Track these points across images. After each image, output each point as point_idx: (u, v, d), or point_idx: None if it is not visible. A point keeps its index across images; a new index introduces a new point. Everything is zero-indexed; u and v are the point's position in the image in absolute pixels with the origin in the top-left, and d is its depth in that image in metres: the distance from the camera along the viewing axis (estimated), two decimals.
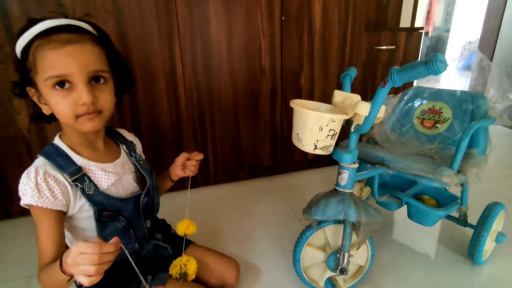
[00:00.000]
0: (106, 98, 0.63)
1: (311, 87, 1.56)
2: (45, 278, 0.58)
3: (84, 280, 0.47)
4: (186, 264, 0.75)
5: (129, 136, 0.83)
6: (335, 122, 0.72)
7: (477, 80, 1.02)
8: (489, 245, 1.03)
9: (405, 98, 1.14)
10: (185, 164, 0.86)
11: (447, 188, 1.09)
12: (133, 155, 0.78)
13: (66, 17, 0.60)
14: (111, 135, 0.78)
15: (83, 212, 0.65)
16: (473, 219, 1.03)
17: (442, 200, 1.06)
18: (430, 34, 5.71)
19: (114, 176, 0.69)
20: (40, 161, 0.63)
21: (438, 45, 5.98)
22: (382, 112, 0.72)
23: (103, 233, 0.67)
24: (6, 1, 1.05)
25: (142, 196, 0.73)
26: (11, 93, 1.03)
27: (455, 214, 1.06)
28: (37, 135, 1.22)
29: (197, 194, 1.51)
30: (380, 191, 1.02)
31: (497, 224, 1.03)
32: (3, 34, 1.08)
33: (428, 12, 5.50)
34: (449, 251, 1.11)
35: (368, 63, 1.66)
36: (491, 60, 2.63)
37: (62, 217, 0.63)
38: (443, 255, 1.09)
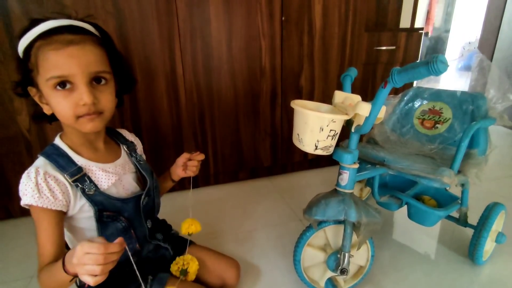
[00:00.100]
0: (107, 99, 0.63)
1: (311, 88, 1.56)
2: (45, 278, 0.59)
3: (89, 280, 0.47)
4: (188, 262, 0.76)
5: (130, 136, 0.83)
6: (336, 122, 0.72)
7: (477, 81, 1.02)
8: (489, 245, 1.03)
9: (405, 98, 1.15)
10: (186, 165, 0.86)
11: (447, 188, 1.09)
12: (134, 155, 0.78)
13: (68, 17, 0.60)
14: (112, 135, 0.78)
15: (84, 213, 0.65)
16: (473, 219, 1.03)
17: (442, 200, 1.06)
18: (430, 34, 5.72)
19: (114, 177, 0.69)
20: (40, 161, 0.63)
21: (438, 45, 5.99)
22: (382, 113, 0.72)
23: (104, 234, 0.67)
24: (7, 1, 1.05)
25: (143, 197, 0.73)
26: (11, 93, 1.03)
27: (455, 214, 1.06)
28: (37, 135, 1.22)
29: (197, 194, 1.51)
30: (381, 192, 1.02)
31: (497, 225, 1.03)
32: (4, 34, 1.08)
33: (428, 13, 5.51)
34: (449, 251, 1.11)
35: (368, 64, 1.66)
36: (491, 60, 2.63)
37: (62, 218, 0.63)
38: (443, 255, 1.09)
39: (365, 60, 1.64)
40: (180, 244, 0.86)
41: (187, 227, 0.79)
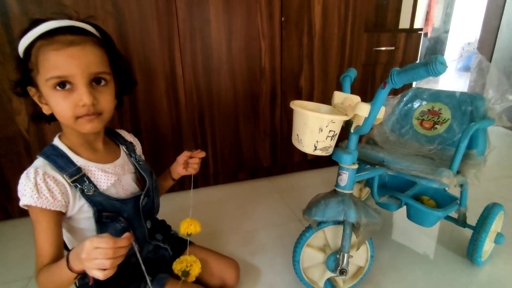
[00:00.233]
0: (107, 100, 0.63)
1: (311, 88, 1.56)
2: (45, 279, 0.58)
3: (98, 274, 0.48)
4: (192, 264, 0.76)
5: (129, 137, 0.83)
6: (335, 123, 0.72)
7: (476, 81, 1.02)
8: (488, 246, 1.03)
9: (404, 99, 1.15)
10: (187, 162, 0.86)
11: (446, 189, 1.09)
12: (133, 155, 0.78)
13: (69, 18, 0.61)
14: (111, 136, 0.78)
15: (83, 213, 0.65)
16: (472, 219, 1.03)
17: (441, 201, 1.07)
18: (429, 35, 5.73)
19: (113, 177, 0.69)
20: (39, 162, 0.63)
21: (437, 46, 6.00)
22: (381, 113, 0.72)
23: None
24: (6, 1, 1.05)
25: (142, 197, 0.73)
26: (10, 93, 1.03)
27: (454, 214, 1.06)
28: (36, 135, 1.22)
29: (197, 195, 1.51)
30: (380, 192, 1.02)
31: (496, 225, 1.03)
32: (3, 34, 1.08)
33: (427, 13, 5.52)
34: (448, 252, 1.11)
35: (367, 64, 1.66)
36: (490, 61, 2.63)
37: (61, 218, 0.63)
38: (442, 255, 1.09)
39: (364, 60, 1.64)
40: (180, 245, 0.86)
41: (186, 227, 0.79)
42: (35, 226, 0.61)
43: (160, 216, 0.87)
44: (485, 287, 0.96)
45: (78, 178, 0.63)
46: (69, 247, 0.70)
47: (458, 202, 1.02)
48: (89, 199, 0.64)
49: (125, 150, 0.78)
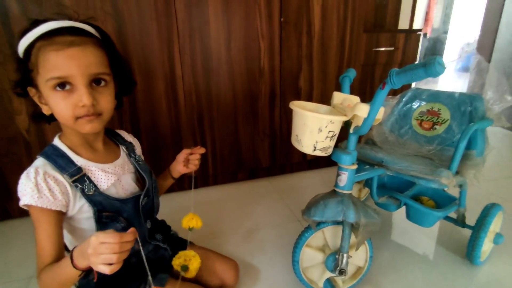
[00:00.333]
0: (106, 100, 0.63)
1: (310, 89, 1.56)
2: (48, 278, 0.58)
3: (105, 269, 0.49)
4: (190, 259, 0.75)
5: (128, 137, 0.83)
6: (334, 123, 0.72)
7: (475, 82, 1.02)
8: (487, 246, 1.03)
9: (403, 99, 1.15)
10: (187, 160, 0.87)
11: (446, 189, 1.09)
12: (133, 156, 0.79)
13: (69, 19, 0.61)
14: (111, 136, 0.79)
15: (83, 213, 0.65)
16: (471, 220, 1.03)
17: (441, 201, 1.07)
18: (428, 35, 5.74)
19: (113, 177, 0.70)
20: (40, 162, 0.63)
21: (437, 46, 6.01)
22: (381, 114, 0.72)
23: None
24: (6, 1, 1.05)
25: (142, 197, 0.73)
26: (11, 93, 1.04)
27: (453, 215, 1.06)
28: (36, 135, 1.22)
29: (196, 195, 1.51)
30: (379, 192, 1.03)
31: (495, 225, 1.04)
32: (3, 35, 1.08)
33: (427, 14, 5.53)
34: (447, 252, 1.11)
35: (366, 65, 1.67)
36: (489, 61, 2.64)
37: (61, 218, 0.63)
38: (441, 256, 1.10)
39: (363, 61, 1.64)
40: (180, 245, 0.86)
41: (188, 221, 0.79)
42: (35, 226, 0.61)
43: (160, 216, 0.87)
44: (484, 287, 0.96)
45: (79, 178, 0.63)
46: (69, 248, 0.70)
47: (457, 202, 1.02)
48: (89, 199, 0.64)
49: (124, 150, 0.78)
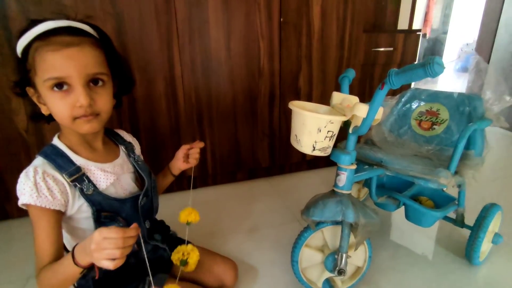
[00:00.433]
0: (104, 100, 0.63)
1: (310, 89, 1.56)
2: (48, 277, 0.58)
3: (108, 264, 0.49)
4: (189, 253, 0.75)
5: (128, 137, 0.83)
6: (333, 123, 0.72)
7: (474, 82, 1.02)
8: (486, 246, 1.03)
9: (403, 99, 1.15)
10: (187, 156, 0.87)
11: (444, 189, 1.10)
12: (132, 155, 0.78)
13: (67, 18, 0.60)
14: (110, 136, 0.79)
15: (82, 213, 0.65)
16: (470, 220, 1.03)
17: (440, 201, 1.07)
18: (427, 36, 5.75)
19: (113, 176, 0.69)
20: (39, 161, 0.63)
21: (436, 47, 6.02)
22: (380, 114, 0.72)
23: None
24: (5, 1, 1.05)
25: (141, 197, 0.73)
26: (10, 93, 1.03)
27: (452, 215, 1.06)
28: (35, 135, 1.22)
29: (195, 195, 1.51)
30: (378, 192, 1.03)
31: (493, 225, 1.04)
32: (2, 34, 1.08)
33: (426, 14, 5.54)
34: (446, 252, 1.11)
35: (366, 65, 1.67)
36: (488, 62, 2.64)
37: (60, 218, 0.63)
38: (440, 256, 1.10)
39: (363, 61, 1.64)
40: (179, 245, 0.86)
41: (187, 215, 0.77)
42: (34, 226, 0.61)
43: (159, 216, 0.87)
44: (483, 287, 0.96)
45: (78, 177, 0.63)
46: (68, 248, 0.70)
47: (456, 202, 1.02)
48: (88, 198, 0.64)
49: (124, 150, 0.78)
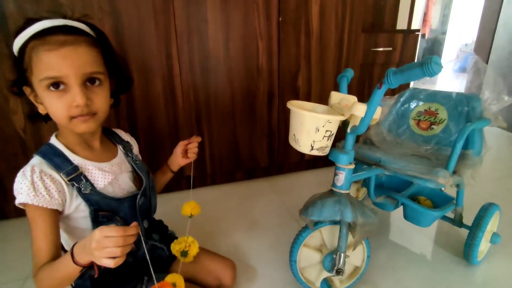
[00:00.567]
0: (101, 100, 0.63)
1: (308, 88, 1.56)
2: (46, 277, 0.58)
3: (109, 262, 0.50)
4: (190, 244, 0.77)
5: (126, 136, 0.83)
6: (332, 123, 0.72)
7: (473, 82, 1.02)
8: (484, 245, 1.03)
9: (401, 99, 1.15)
10: (185, 151, 0.87)
11: (443, 189, 1.10)
12: (130, 155, 0.78)
13: (64, 17, 0.60)
14: (108, 135, 0.78)
15: (79, 212, 0.65)
16: (468, 220, 1.03)
17: (438, 201, 1.07)
18: (426, 36, 5.75)
19: (110, 176, 0.69)
20: (36, 160, 0.62)
21: (435, 47, 6.03)
22: (378, 113, 0.72)
23: None
24: (2, 0, 1.04)
25: (139, 196, 0.73)
26: (7, 92, 1.03)
27: (450, 215, 1.06)
28: (33, 135, 1.21)
29: (194, 195, 1.49)
30: (377, 192, 1.03)
31: (492, 225, 1.04)
32: None
33: (425, 15, 5.54)
34: (444, 252, 1.11)
35: (365, 65, 1.67)
36: (487, 62, 2.65)
37: (58, 217, 0.63)
38: (438, 255, 1.10)
39: (361, 61, 1.64)
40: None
41: (193, 208, 0.82)
42: (31, 225, 0.60)
43: (157, 216, 0.87)
44: (481, 287, 0.96)
45: (75, 176, 0.63)
46: (66, 247, 0.70)
47: (455, 202, 1.02)
48: (86, 197, 0.64)
49: (122, 149, 0.78)
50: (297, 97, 1.55)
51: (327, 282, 0.91)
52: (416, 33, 1.74)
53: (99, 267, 0.54)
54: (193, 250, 0.78)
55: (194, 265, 0.83)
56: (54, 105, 0.59)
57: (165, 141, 1.39)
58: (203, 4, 1.26)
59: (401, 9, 1.98)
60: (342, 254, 0.82)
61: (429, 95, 1.10)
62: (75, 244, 0.55)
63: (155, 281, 0.60)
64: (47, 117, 0.64)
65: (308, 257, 0.91)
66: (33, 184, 0.58)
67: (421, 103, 1.12)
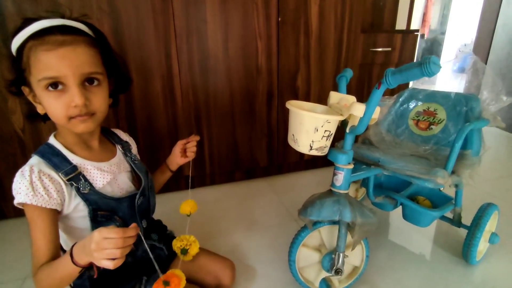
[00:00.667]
0: (99, 100, 0.63)
1: (308, 88, 1.56)
2: (45, 277, 0.58)
3: (108, 264, 0.50)
4: (191, 243, 0.79)
5: (124, 136, 0.83)
6: (331, 123, 0.72)
7: (471, 82, 1.03)
8: (482, 245, 1.04)
9: (400, 99, 1.15)
10: (184, 150, 0.87)
11: (442, 189, 1.10)
12: (129, 155, 0.78)
13: (62, 17, 0.60)
14: (107, 135, 0.78)
15: (78, 212, 0.65)
16: (467, 220, 1.03)
17: (437, 201, 1.07)
18: (426, 36, 5.76)
19: (109, 175, 0.69)
20: (34, 160, 0.62)
21: (434, 47, 6.03)
22: (377, 113, 0.72)
23: None
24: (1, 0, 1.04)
25: (138, 196, 0.73)
26: (5, 92, 1.03)
27: (449, 215, 1.07)
28: (31, 135, 1.21)
29: (193, 195, 1.49)
30: (376, 192, 1.03)
31: (490, 225, 1.04)
32: None
33: (424, 15, 5.54)
34: (443, 252, 1.11)
35: (364, 65, 1.67)
36: (486, 62, 2.65)
37: (57, 217, 0.63)
38: (437, 255, 1.10)
39: (361, 61, 1.64)
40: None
41: (192, 206, 0.83)
42: (31, 225, 0.60)
43: (156, 216, 0.87)
44: (479, 287, 0.97)
45: (74, 176, 0.63)
46: (64, 247, 0.70)
47: (453, 202, 1.02)
48: (85, 197, 0.64)
49: (120, 149, 0.78)
50: (296, 97, 1.55)
51: (326, 282, 0.91)
52: (415, 33, 1.74)
53: (98, 267, 0.54)
54: (194, 250, 0.79)
55: (193, 265, 0.84)
56: (52, 105, 0.59)
57: (164, 141, 1.39)
58: (203, 4, 1.26)
59: (400, 9, 1.98)
60: (341, 254, 0.82)
61: (428, 95, 1.10)
62: (74, 244, 0.55)
63: (160, 274, 0.60)
64: (45, 117, 0.64)
65: (307, 257, 0.91)
66: (31, 184, 0.58)
67: (420, 103, 1.12)
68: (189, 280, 0.82)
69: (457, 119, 1.02)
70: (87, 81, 0.60)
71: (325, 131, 0.72)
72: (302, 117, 0.72)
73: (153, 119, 1.35)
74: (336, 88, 0.91)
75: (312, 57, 1.51)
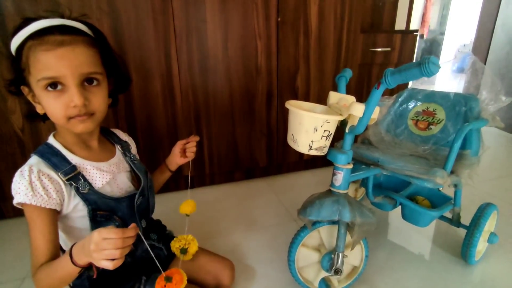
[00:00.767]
0: (99, 100, 0.63)
1: (307, 88, 1.56)
2: (45, 277, 0.58)
3: (108, 264, 0.49)
4: (189, 242, 0.78)
5: (124, 136, 0.83)
6: (330, 123, 0.72)
7: (471, 82, 1.03)
8: (481, 245, 1.04)
9: (399, 99, 1.15)
10: (183, 150, 0.87)
11: (441, 189, 1.10)
12: (128, 155, 0.78)
13: (61, 16, 0.60)
14: (106, 135, 0.78)
15: (78, 212, 0.65)
16: (466, 219, 1.04)
17: (436, 201, 1.07)
18: (425, 36, 5.76)
19: (108, 175, 0.69)
20: (34, 160, 0.62)
21: (433, 47, 6.04)
22: (376, 113, 0.73)
23: None
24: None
25: (137, 196, 0.73)
26: (5, 92, 1.03)
27: (448, 214, 1.07)
28: (31, 134, 1.21)
29: (193, 195, 1.51)
30: (375, 192, 1.03)
31: (489, 225, 1.04)
32: None
33: (423, 15, 5.55)
34: (442, 252, 1.12)
35: (363, 65, 1.67)
36: (485, 62, 2.66)
37: (56, 216, 0.63)
38: (436, 255, 1.10)
39: (360, 61, 1.65)
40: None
41: (192, 206, 0.83)
42: (30, 225, 0.60)
43: (155, 216, 0.87)
44: (478, 287, 0.97)
45: (73, 176, 0.63)
46: (64, 247, 0.70)
47: (452, 202, 1.03)
48: (84, 197, 0.64)
49: (120, 149, 0.78)
50: (296, 97, 1.55)
51: (325, 282, 0.91)
52: (415, 33, 1.74)
53: (98, 268, 0.54)
54: (193, 248, 0.79)
55: (193, 265, 0.84)
56: (51, 105, 0.59)
57: (163, 141, 1.39)
58: (202, 4, 1.26)
59: (399, 9, 1.99)
60: (340, 254, 0.82)
61: (427, 95, 1.11)
62: (73, 244, 0.55)
63: (162, 272, 0.61)
64: (45, 117, 0.64)
65: (307, 257, 0.91)
66: (31, 184, 0.58)
67: (419, 103, 1.12)
68: (189, 280, 0.82)
69: (456, 119, 1.02)
70: (87, 81, 0.60)
71: (325, 131, 0.72)
72: (301, 117, 0.72)
73: (153, 119, 1.35)
74: (335, 88, 0.91)
75: (312, 57, 1.51)
